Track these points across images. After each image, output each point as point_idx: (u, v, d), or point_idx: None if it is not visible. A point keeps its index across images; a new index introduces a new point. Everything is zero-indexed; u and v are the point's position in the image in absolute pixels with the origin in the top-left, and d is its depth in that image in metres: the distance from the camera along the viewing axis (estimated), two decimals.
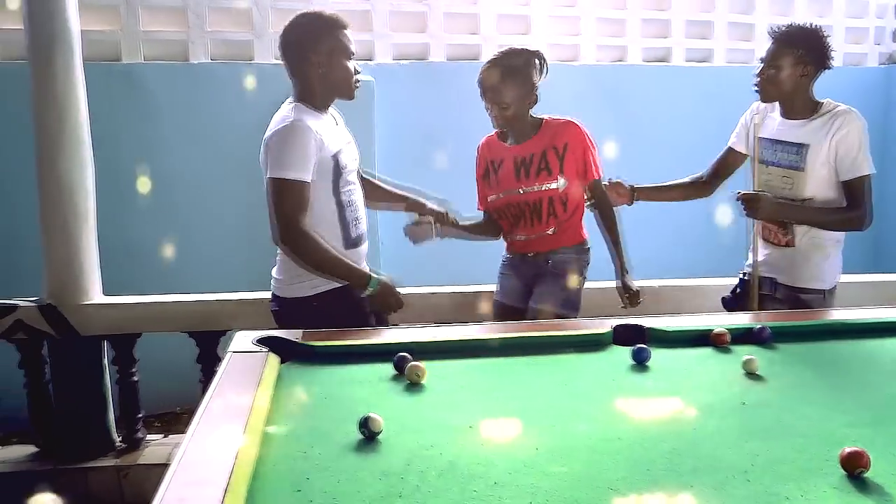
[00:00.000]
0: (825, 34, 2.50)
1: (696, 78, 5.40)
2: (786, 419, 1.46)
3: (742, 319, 2.16)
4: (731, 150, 2.81)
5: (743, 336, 1.97)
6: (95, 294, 3.04)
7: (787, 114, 2.55)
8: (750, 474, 1.22)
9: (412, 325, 2.14)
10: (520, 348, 1.92)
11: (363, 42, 4.86)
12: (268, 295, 3.00)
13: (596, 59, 5.27)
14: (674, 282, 3.22)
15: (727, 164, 2.83)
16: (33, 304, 2.98)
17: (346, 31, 2.35)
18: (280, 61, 2.35)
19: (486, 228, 2.81)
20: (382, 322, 2.45)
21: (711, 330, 1.97)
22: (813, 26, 2.50)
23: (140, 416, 3.19)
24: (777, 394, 1.62)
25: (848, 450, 1.21)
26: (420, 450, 1.33)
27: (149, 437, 3.24)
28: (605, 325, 2.03)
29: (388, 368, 1.75)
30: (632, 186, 2.81)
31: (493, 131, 2.74)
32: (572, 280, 2.64)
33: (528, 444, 1.35)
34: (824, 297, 2.56)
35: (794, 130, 2.52)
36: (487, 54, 5.01)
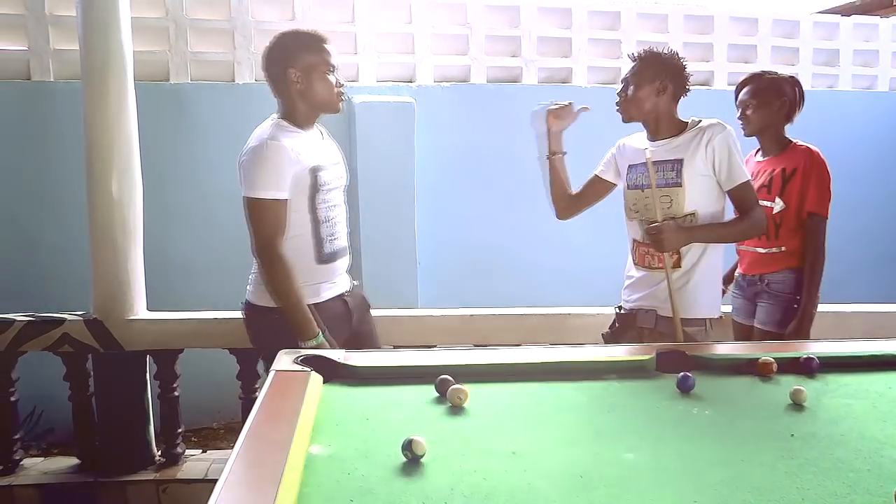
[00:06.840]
0: (680, 58, 2.55)
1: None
2: (837, 452, 1.43)
3: (789, 348, 2.11)
4: (597, 177, 2.76)
5: (789, 365, 1.94)
6: (140, 309, 3.09)
7: (654, 135, 2.56)
8: None
9: (454, 348, 2.13)
10: (563, 373, 1.91)
11: (405, 64, 4.92)
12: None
13: None
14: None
15: (592, 192, 2.77)
16: (80, 318, 3.04)
17: (324, 46, 2.37)
18: None
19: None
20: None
21: (756, 358, 1.94)
22: (668, 51, 2.55)
23: (180, 430, 3.22)
24: (826, 426, 1.58)
25: None
26: (463, 474, 1.32)
27: (187, 452, 3.27)
28: (648, 351, 2.01)
29: (430, 390, 1.75)
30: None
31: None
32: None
33: (572, 472, 1.33)
34: (706, 330, 2.51)
35: (664, 149, 2.51)
36: (528, 77, 5.10)
